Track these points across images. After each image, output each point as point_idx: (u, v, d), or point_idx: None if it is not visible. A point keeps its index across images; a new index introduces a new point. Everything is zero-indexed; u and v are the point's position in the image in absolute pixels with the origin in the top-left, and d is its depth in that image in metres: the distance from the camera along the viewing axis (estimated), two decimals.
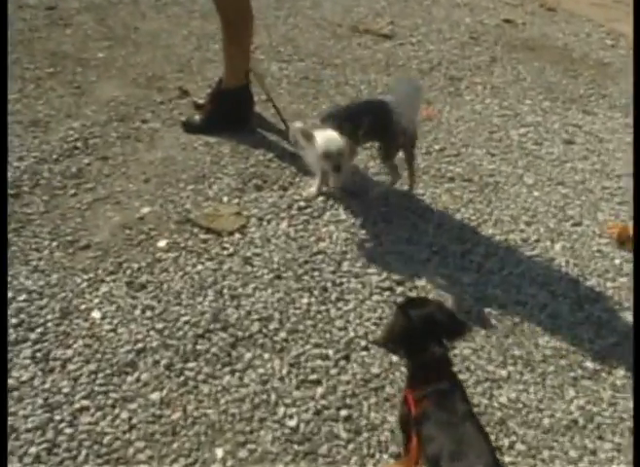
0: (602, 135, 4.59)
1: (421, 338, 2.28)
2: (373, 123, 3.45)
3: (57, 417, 2.57)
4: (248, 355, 2.87)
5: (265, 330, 2.98)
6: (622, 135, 4.60)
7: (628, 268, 3.48)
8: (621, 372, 2.96)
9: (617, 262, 3.52)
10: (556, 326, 3.14)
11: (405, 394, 2.34)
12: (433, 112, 4.67)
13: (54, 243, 3.32)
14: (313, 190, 3.77)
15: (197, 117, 4.25)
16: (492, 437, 2.63)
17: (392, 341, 2.40)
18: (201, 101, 4.38)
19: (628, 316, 3.21)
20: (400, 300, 3.04)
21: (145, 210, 3.58)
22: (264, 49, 5.19)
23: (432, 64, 5.27)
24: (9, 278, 3.09)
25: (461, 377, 2.83)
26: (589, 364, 2.98)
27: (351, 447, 2.58)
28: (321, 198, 3.74)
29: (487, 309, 3.18)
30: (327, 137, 3.39)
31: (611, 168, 4.26)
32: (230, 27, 3.95)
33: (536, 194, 3.97)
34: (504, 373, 2.90)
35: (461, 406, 2.22)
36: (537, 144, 4.43)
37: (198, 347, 2.88)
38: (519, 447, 2.63)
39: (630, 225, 3.65)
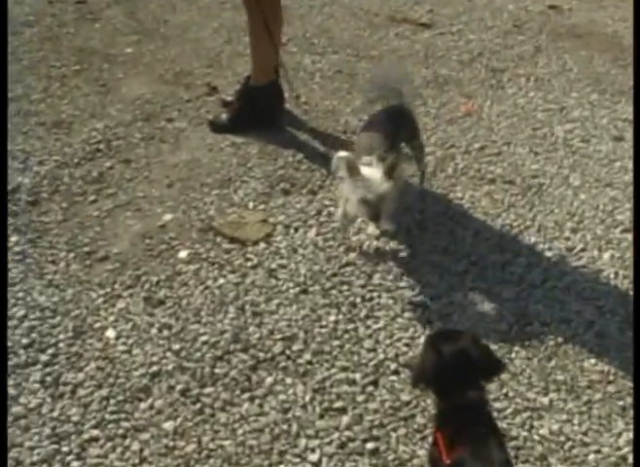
0: None
1: (455, 378, 2.08)
2: (408, 136, 3.39)
3: (65, 449, 2.42)
4: (269, 380, 2.69)
5: (288, 351, 2.80)
6: None
7: None
8: None
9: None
10: (604, 347, 2.90)
11: (435, 435, 2.13)
12: (473, 107, 4.43)
13: (71, 255, 3.18)
14: (339, 216, 3.35)
15: (225, 115, 4.07)
16: None
17: (423, 381, 2.19)
18: (229, 98, 4.20)
19: None
20: (430, 331, 2.82)
21: (167, 217, 3.41)
22: (296, 41, 4.98)
23: (472, 55, 5.01)
24: (22, 294, 2.95)
25: (498, 405, 2.63)
26: None
27: None
28: None
29: (528, 328, 2.95)
30: (369, 180, 2.95)
31: None
32: (256, 18, 3.74)
33: (582, 197, 3.72)
34: (545, 400, 2.68)
35: (498, 454, 2.01)
36: (584, 141, 4.17)
37: (217, 371, 2.70)
38: None
39: None
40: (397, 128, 3.26)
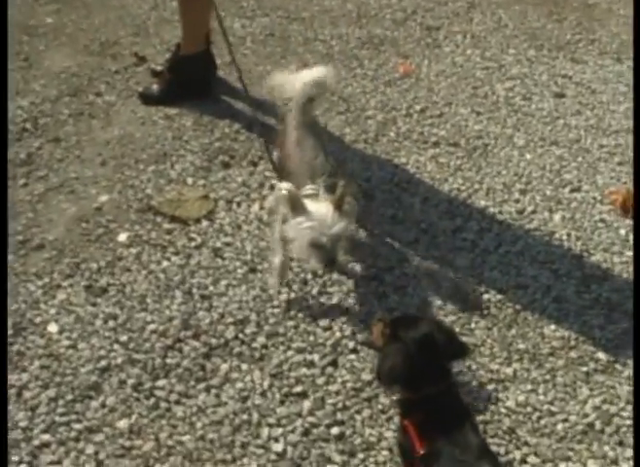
0: (594, 86, 4.26)
1: (425, 370, 1.99)
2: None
3: (15, 458, 2.26)
4: (224, 367, 2.56)
5: (241, 335, 2.68)
6: (616, 85, 4.27)
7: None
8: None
9: (622, 232, 3.23)
10: (563, 312, 2.85)
11: (403, 424, 2.04)
12: (410, 67, 4.31)
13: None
14: (273, 281, 2.87)
15: (156, 86, 3.87)
16: (502, 449, 2.36)
17: (392, 381, 2.09)
18: (159, 68, 3.98)
19: None
20: (385, 306, 2.71)
21: (103, 199, 3.23)
22: (224, 4, 4.74)
23: (406, 13, 4.87)
24: None
25: (463, 378, 2.55)
26: (602, 355, 2.71)
27: None
28: None
29: (486, 296, 2.88)
30: (319, 218, 2.50)
31: (607, 124, 3.94)
32: None
33: (528, 156, 3.66)
34: (509, 371, 2.62)
35: (474, 439, 1.93)
36: (525, 99, 4.10)
37: (169, 361, 2.57)
38: (533, 460, 2.37)
39: (634, 190, 3.36)
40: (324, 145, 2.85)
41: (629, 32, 4.75)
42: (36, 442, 2.30)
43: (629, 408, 2.54)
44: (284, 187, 2.52)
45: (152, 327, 2.67)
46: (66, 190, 3.26)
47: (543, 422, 2.48)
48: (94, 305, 2.75)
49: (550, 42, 4.66)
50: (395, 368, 2.02)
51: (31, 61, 4.08)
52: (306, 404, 2.47)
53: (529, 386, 2.58)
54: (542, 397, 2.55)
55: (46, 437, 2.32)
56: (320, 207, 2.52)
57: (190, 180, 3.34)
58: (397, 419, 2.27)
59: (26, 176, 3.31)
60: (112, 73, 4.04)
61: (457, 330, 2.73)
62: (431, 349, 2.02)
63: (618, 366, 2.67)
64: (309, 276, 2.90)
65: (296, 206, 2.50)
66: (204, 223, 3.12)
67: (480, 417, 2.43)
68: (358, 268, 2.93)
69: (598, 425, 2.48)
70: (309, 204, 2.52)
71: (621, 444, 2.43)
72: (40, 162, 3.40)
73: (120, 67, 4.08)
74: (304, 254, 2.60)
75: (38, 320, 2.67)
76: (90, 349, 2.58)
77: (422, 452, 1.91)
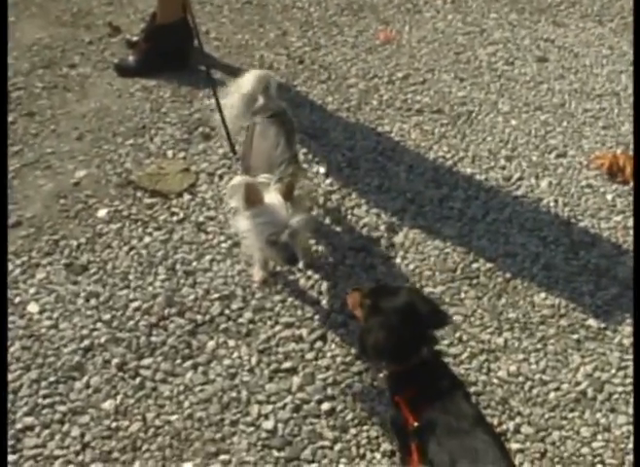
0: (577, 49, 4.20)
1: (408, 340, 1.95)
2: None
3: None
4: (211, 344, 2.51)
5: (227, 311, 2.62)
6: (598, 48, 4.22)
7: (622, 204, 3.16)
8: (627, 328, 2.66)
9: (609, 197, 3.19)
10: (552, 279, 2.82)
11: (394, 400, 2.00)
12: (391, 34, 4.23)
13: None
14: (257, 276, 2.73)
15: (132, 57, 3.78)
16: (495, 420, 2.34)
17: (376, 355, 2.04)
18: (135, 39, 3.89)
19: (628, 261, 2.90)
20: (359, 287, 2.62)
21: (80, 174, 3.15)
22: None
23: None
24: None
25: (453, 350, 2.54)
26: (593, 322, 2.68)
27: (338, 447, 2.26)
28: None
29: (475, 265, 2.84)
30: (273, 211, 2.28)
31: (590, 87, 3.89)
32: None
33: (513, 122, 3.61)
34: (500, 341, 2.59)
35: (467, 408, 1.90)
36: (508, 64, 4.04)
37: (153, 339, 2.51)
38: (526, 429, 2.34)
39: (620, 154, 3.32)
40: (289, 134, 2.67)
41: None
42: (19, 425, 2.25)
43: (620, 374, 2.51)
44: (239, 180, 2.30)
45: (135, 304, 2.61)
46: (42, 165, 3.18)
47: (535, 391, 2.45)
48: (75, 283, 2.68)
49: (531, 5, 4.59)
50: (380, 341, 1.96)
51: None
52: (296, 380, 2.42)
53: (520, 356, 2.55)
54: (533, 366, 2.52)
55: (29, 420, 2.27)
56: (270, 199, 2.29)
57: (170, 153, 3.27)
58: (387, 394, 2.22)
59: None
60: (86, 44, 3.94)
61: (447, 300, 2.70)
62: (414, 318, 1.97)
63: (608, 332, 2.65)
64: None
65: (253, 200, 2.27)
66: (186, 197, 3.05)
67: (472, 388, 2.39)
68: (329, 258, 2.84)
69: (590, 393, 2.46)
70: (267, 197, 2.29)
71: (613, 411, 2.41)
72: (14, 137, 3.31)
73: (94, 38, 3.98)
74: (263, 252, 2.48)
75: (17, 300, 2.61)
76: (73, 329, 2.53)
77: (415, 425, 1.87)
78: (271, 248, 2.31)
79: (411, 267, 2.82)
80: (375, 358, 2.07)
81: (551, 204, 3.14)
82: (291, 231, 2.26)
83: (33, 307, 2.59)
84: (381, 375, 2.16)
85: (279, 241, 2.27)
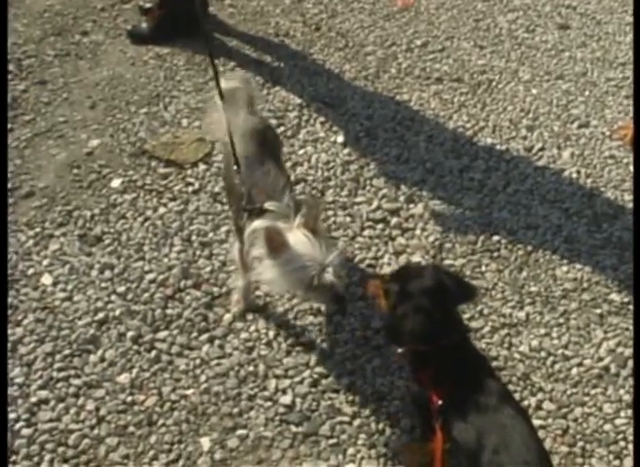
0: (599, 16, 4.10)
1: (443, 320, 1.90)
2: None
3: (12, 415, 2.18)
4: (227, 317, 2.47)
5: None
6: (621, 15, 4.12)
7: None
8: None
9: (632, 169, 3.11)
10: (574, 252, 2.76)
11: (418, 377, 1.96)
12: (409, 0, 4.12)
13: None
14: (236, 307, 2.50)
15: (145, 24, 3.71)
16: (516, 396, 2.28)
17: (415, 339, 1.95)
18: (148, 5, 3.80)
19: None
20: (378, 274, 2.56)
21: (94, 143, 3.10)
22: None
23: None
24: None
25: (474, 324, 2.49)
26: (615, 296, 2.63)
27: (357, 423, 2.22)
28: (295, 113, 3.26)
29: (496, 237, 2.78)
30: (306, 252, 2.01)
31: (613, 56, 3.80)
32: None
33: (534, 91, 3.53)
34: (522, 315, 2.54)
35: (493, 384, 1.85)
36: (529, 31, 3.95)
37: (169, 312, 2.47)
38: (548, 406, 2.30)
39: None
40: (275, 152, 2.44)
41: None
42: (34, 399, 2.23)
43: None
44: (259, 225, 2.04)
45: (150, 276, 2.57)
46: (55, 134, 3.13)
47: (557, 367, 2.40)
48: (89, 254, 2.64)
49: None
50: (417, 326, 1.90)
51: (11, 0, 3.89)
52: (314, 354, 2.38)
53: (542, 330, 2.50)
54: (556, 341, 2.47)
55: (44, 393, 2.24)
56: (297, 238, 2.02)
57: (185, 122, 3.21)
58: (409, 371, 2.18)
59: (12, 121, 3.17)
60: (98, 11, 3.87)
61: (467, 273, 2.65)
62: (444, 300, 1.92)
63: (632, 307, 2.59)
64: None
65: (276, 245, 2.01)
66: (201, 166, 3.00)
67: (493, 363, 2.35)
68: (347, 229, 2.76)
69: (613, 369, 2.41)
70: (293, 240, 2.02)
71: (636, 387, 2.36)
72: (26, 106, 3.26)
73: (106, 4, 3.91)
74: (303, 296, 2.26)
75: (31, 272, 2.57)
76: (87, 301, 2.49)
77: (440, 404, 1.83)
78: (315, 292, 2.07)
79: (431, 238, 2.76)
80: (412, 343, 1.98)
81: (574, 175, 3.07)
82: (332, 269, 2.02)
83: (47, 279, 2.55)
84: (400, 351, 2.10)
85: (323, 283, 2.02)
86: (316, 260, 2.00)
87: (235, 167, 2.27)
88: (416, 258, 2.68)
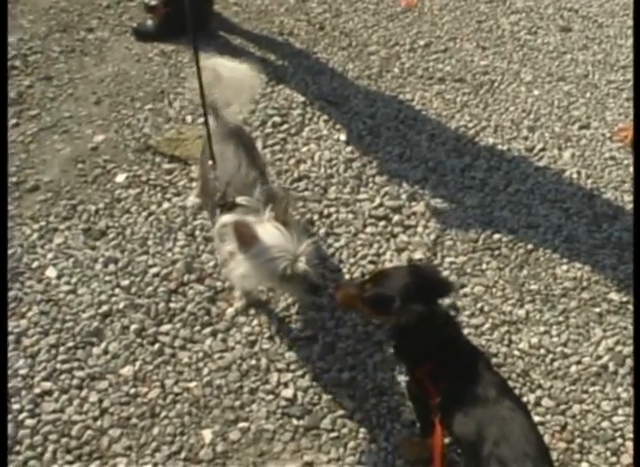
0: (601, 20, 4.13)
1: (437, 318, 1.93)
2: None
3: (16, 406, 2.20)
4: (230, 311, 2.49)
5: None
6: (623, 19, 4.15)
7: None
8: None
9: (632, 170, 3.14)
10: (574, 252, 2.78)
11: (414, 374, 1.98)
12: (413, 1, 4.14)
13: None
14: (237, 303, 2.51)
15: (150, 22, 3.73)
16: (515, 392, 2.30)
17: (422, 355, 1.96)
18: (154, 2, 3.83)
19: None
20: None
21: (99, 138, 3.12)
22: None
23: None
24: None
25: (475, 321, 2.52)
26: (614, 295, 2.65)
27: (358, 417, 2.24)
28: (298, 111, 3.28)
29: (497, 236, 2.81)
30: (278, 243, 2.02)
31: (614, 59, 3.83)
32: None
33: (536, 92, 3.55)
34: (522, 313, 2.56)
35: (491, 377, 1.87)
36: (531, 33, 3.97)
37: (172, 305, 2.49)
38: (547, 402, 2.32)
39: None
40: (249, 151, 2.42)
41: None
42: (37, 390, 2.25)
43: None
44: (228, 220, 2.05)
45: (154, 270, 2.59)
46: (60, 130, 3.15)
47: (556, 364, 2.43)
48: (93, 248, 2.66)
49: None
50: (428, 345, 1.91)
51: None
52: (316, 348, 2.41)
53: (542, 328, 2.52)
54: (555, 339, 2.50)
55: (47, 385, 2.26)
56: (268, 231, 2.03)
57: (189, 118, 3.23)
58: (405, 369, 2.20)
59: (17, 116, 3.19)
60: (103, 8, 3.89)
61: (468, 270, 2.67)
62: (433, 298, 1.94)
63: (631, 306, 2.61)
64: (315, 217, 2.81)
65: (246, 238, 2.02)
66: None
67: (493, 360, 2.37)
68: (349, 226, 2.81)
69: (612, 367, 2.44)
70: (262, 231, 2.03)
71: (634, 385, 2.38)
72: (31, 102, 3.28)
73: (111, 2, 3.94)
74: (277, 288, 2.31)
75: (35, 265, 2.59)
76: (91, 294, 2.51)
77: (438, 400, 1.85)
78: (288, 283, 2.08)
79: (432, 236, 2.78)
80: (427, 357, 1.97)
81: (574, 176, 3.10)
82: (305, 258, 2.03)
83: (51, 272, 2.57)
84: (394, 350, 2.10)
85: (296, 274, 2.03)
86: (287, 251, 2.00)
87: (211, 162, 2.28)
88: (418, 255, 2.70)
